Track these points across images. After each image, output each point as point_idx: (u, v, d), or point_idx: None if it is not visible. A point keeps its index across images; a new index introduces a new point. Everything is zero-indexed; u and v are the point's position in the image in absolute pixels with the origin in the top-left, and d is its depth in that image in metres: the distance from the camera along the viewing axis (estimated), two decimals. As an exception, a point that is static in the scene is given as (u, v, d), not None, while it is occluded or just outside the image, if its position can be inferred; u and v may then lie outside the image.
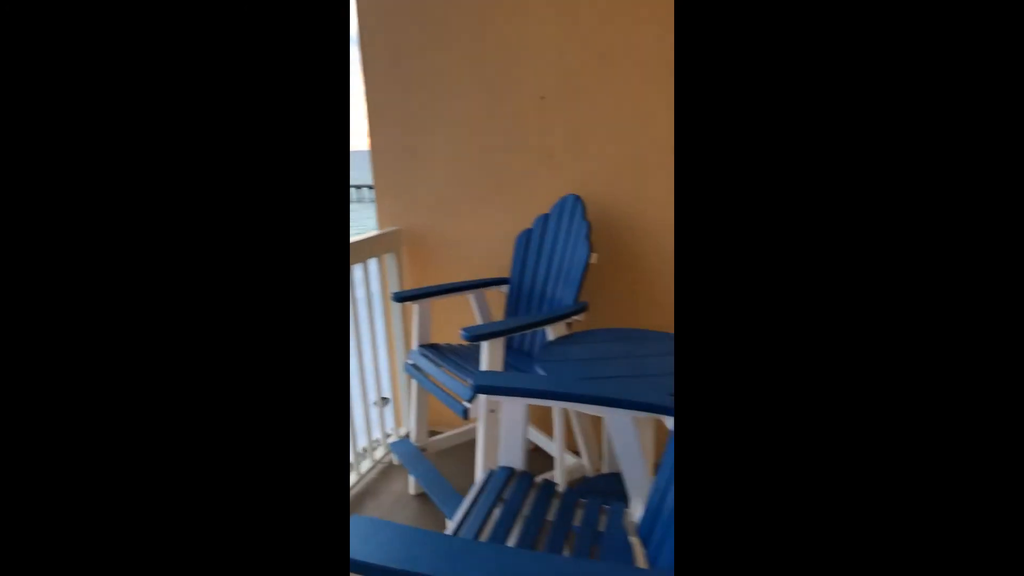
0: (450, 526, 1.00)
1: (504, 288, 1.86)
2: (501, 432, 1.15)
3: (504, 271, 1.89)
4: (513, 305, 1.83)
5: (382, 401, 2.00)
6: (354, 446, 1.85)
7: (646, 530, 0.95)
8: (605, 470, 1.61)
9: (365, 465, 1.90)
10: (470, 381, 1.49)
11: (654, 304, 1.80)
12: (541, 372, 1.28)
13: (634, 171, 1.74)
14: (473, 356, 1.70)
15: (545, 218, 1.79)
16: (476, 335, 1.40)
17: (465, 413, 1.44)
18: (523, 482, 1.11)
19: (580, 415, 1.62)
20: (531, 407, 1.97)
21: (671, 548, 0.79)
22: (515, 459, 1.15)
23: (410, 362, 1.72)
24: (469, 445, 1.83)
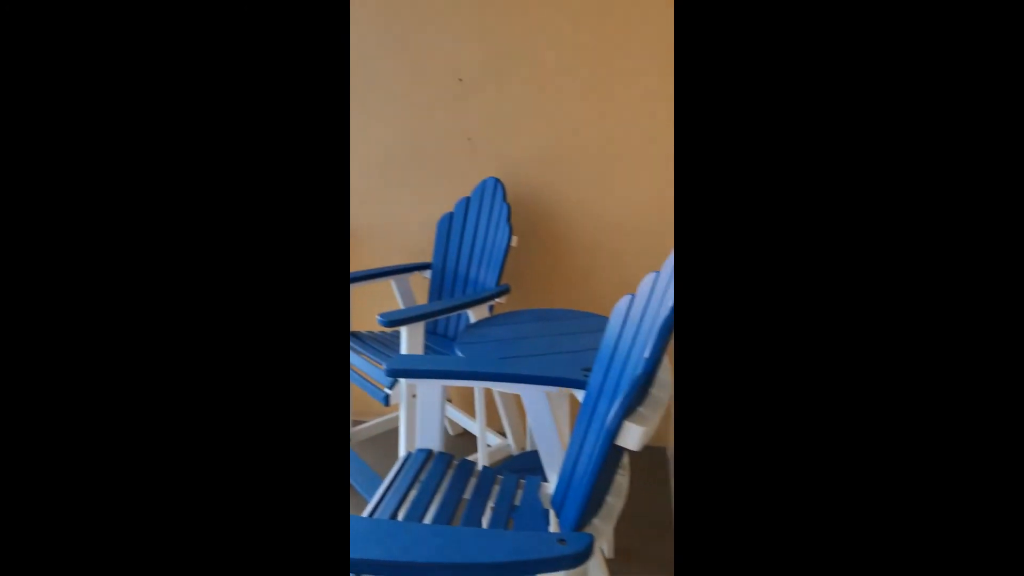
0: (367, 509, 0.99)
1: (427, 273, 1.85)
2: (417, 415, 1.15)
3: (426, 256, 1.88)
4: (436, 289, 1.82)
5: None
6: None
7: (559, 500, 0.98)
8: (529, 447, 1.64)
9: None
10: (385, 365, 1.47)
11: (573, 284, 1.84)
12: (460, 354, 1.29)
13: (553, 155, 1.76)
14: (395, 343, 1.68)
15: (466, 201, 1.79)
16: (393, 320, 1.38)
17: (386, 400, 1.42)
18: (440, 462, 1.11)
19: (505, 396, 1.64)
20: (462, 390, 1.98)
21: (572, 509, 0.82)
22: (432, 441, 1.15)
23: (331, 351, 1.69)
24: (394, 433, 1.82)
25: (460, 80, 1.75)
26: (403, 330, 1.43)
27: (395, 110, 1.80)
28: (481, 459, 1.50)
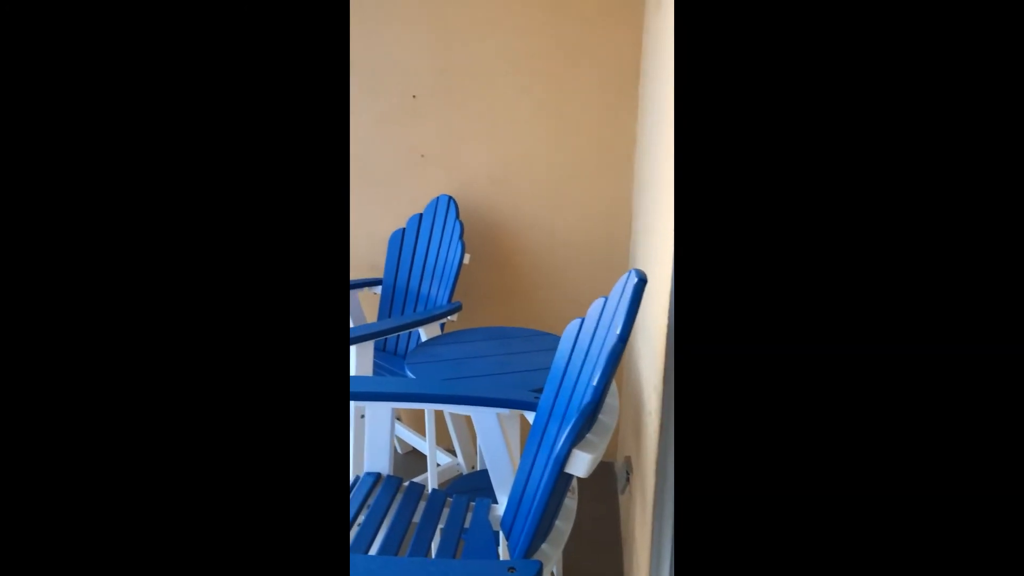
0: (310, 538, 0.96)
1: (377, 289, 1.83)
2: (366, 437, 1.13)
3: (376, 271, 1.86)
4: (387, 306, 1.80)
5: None
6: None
7: (508, 522, 0.99)
8: (480, 467, 1.64)
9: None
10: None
11: (526, 302, 1.86)
12: (410, 374, 1.28)
13: (505, 172, 1.78)
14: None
15: (419, 218, 1.78)
16: (357, 336, 1.36)
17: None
18: (389, 486, 1.09)
19: (455, 415, 1.63)
20: (408, 410, 1.95)
21: (520, 535, 0.82)
22: (381, 464, 1.14)
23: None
24: (343, 452, 1.77)
25: (414, 97, 1.75)
26: (351, 349, 1.40)
27: (382, 126, 1.78)
28: (431, 480, 1.48)
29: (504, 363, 1.34)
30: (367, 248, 1.86)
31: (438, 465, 1.66)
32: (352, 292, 1.77)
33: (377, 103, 1.76)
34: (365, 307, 1.84)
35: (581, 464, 0.69)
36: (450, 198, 1.73)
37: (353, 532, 0.97)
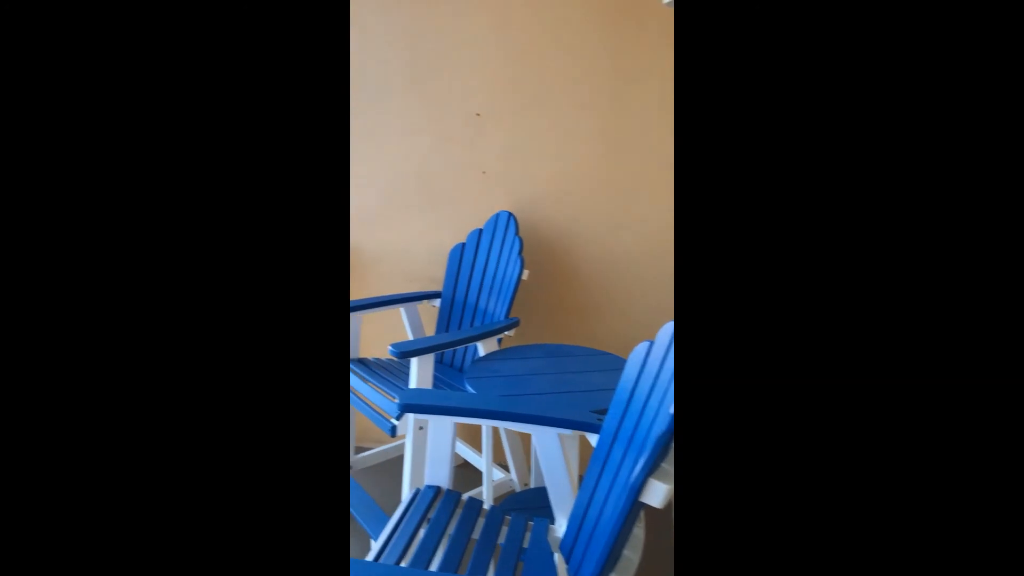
0: (374, 548, 0.98)
1: (436, 302, 1.86)
2: (428, 450, 1.15)
3: (436, 284, 1.89)
4: (445, 319, 1.83)
5: None
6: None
7: (568, 546, 0.97)
8: (533, 484, 1.63)
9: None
10: (398, 398, 1.47)
11: (583, 320, 1.85)
12: (470, 389, 1.29)
13: (566, 189, 1.78)
14: (402, 371, 1.68)
15: (478, 233, 1.81)
16: (405, 351, 1.38)
17: (393, 431, 1.41)
18: (449, 500, 1.10)
19: (510, 431, 1.63)
20: (462, 423, 1.96)
21: (591, 563, 0.81)
22: (441, 478, 1.14)
23: (337, 377, 1.68)
24: (397, 462, 1.80)
25: (477, 115, 1.78)
26: (413, 361, 1.42)
27: (413, 142, 1.83)
28: (486, 496, 1.49)
29: (563, 382, 1.33)
30: (428, 262, 1.89)
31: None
32: (412, 304, 1.81)
33: (442, 122, 1.80)
34: (424, 319, 1.87)
35: (657, 494, 0.68)
36: (510, 214, 1.74)
37: (414, 547, 0.98)
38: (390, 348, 1.38)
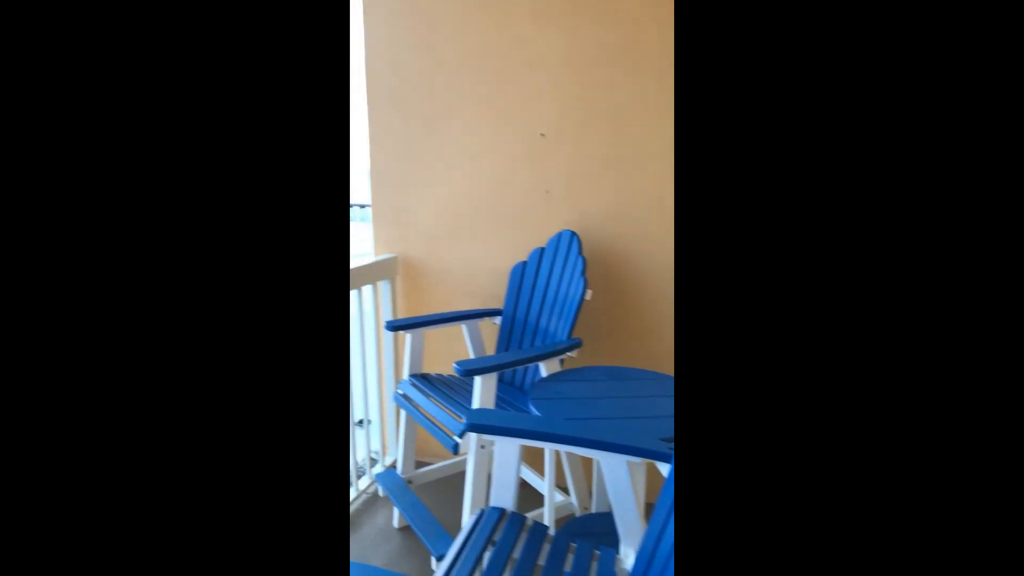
0: (439, 569, 0.98)
1: (497, 319, 1.86)
2: (493, 471, 1.14)
3: (498, 302, 1.90)
4: (506, 337, 1.83)
5: (359, 423, 1.97)
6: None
7: (638, 579, 0.94)
8: (594, 508, 1.60)
9: (350, 495, 1.86)
10: (461, 415, 1.47)
11: (647, 343, 1.81)
12: (534, 410, 1.28)
13: (631, 210, 1.76)
14: (463, 387, 1.69)
15: (541, 251, 1.81)
16: (470, 370, 1.39)
17: (455, 449, 1.42)
18: (514, 524, 1.09)
19: (571, 454, 1.61)
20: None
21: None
22: (506, 500, 1.14)
23: (400, 392, 1.71)
24: (457, 478, 1.80)
25: (542, 135, 1.79)
26: (477, 380, 1.43)
27: (478, 160, 1.85)
28: (548, 519, 1.47)
29: (629, 406, 1.30)
30: (490, 280, 1.90)
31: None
32: (473, 321, 1.82)
33: (507, 141, 1.82)
34: (485, 336, 1.88)
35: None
36: (573, 233, 1.74)
37: (480, 570, 0.97)
38: (455, 366, 1.39)
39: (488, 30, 1.78)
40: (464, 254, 1.92)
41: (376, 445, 2.10)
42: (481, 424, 1.10)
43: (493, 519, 1.10)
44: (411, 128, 1.89)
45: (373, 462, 2.01)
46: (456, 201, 1.90)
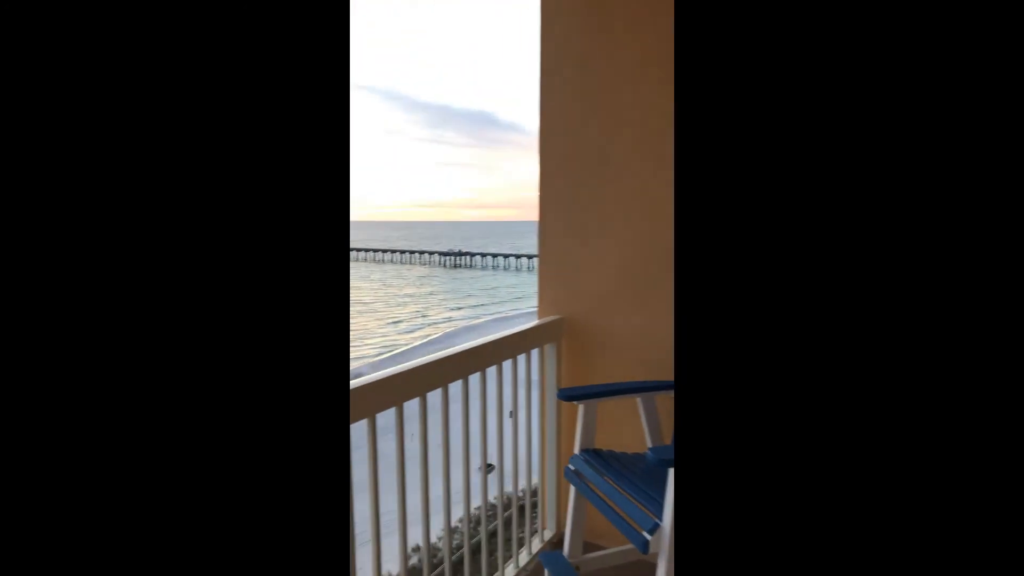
0: None
1: (672, 392, 1.70)
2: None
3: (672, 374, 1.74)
4: (685, 413, 1.66)
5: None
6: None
7: None
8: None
9: (509, 571, 1.76)
10: (648, 507, 1.33)
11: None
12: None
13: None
14: (640, 468, 1.54)
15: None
16: (666, 460, 1.25)
17: (645, 547, 1.27)
18: None
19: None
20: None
21: None
22: None
23: (572, 468, 1.60)
24: (635, 568, 1.64)
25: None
26: (672, 472, 1.28)
27: (657, 218, 1.74)
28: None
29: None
30: (666, 348, 1.76)
31: None
32: (649, 394, 1.68)
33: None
34: (661, 411, 1.73)
35: None
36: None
37: None
38: (648, 453, 1.25)
39: (666, 86, 1.69)
40: (636, 318, 1.80)
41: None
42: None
43: None
44: (583, 183, 1.84)
45: (533, 531, 1.91)
46: (627, 259, 1.80)
